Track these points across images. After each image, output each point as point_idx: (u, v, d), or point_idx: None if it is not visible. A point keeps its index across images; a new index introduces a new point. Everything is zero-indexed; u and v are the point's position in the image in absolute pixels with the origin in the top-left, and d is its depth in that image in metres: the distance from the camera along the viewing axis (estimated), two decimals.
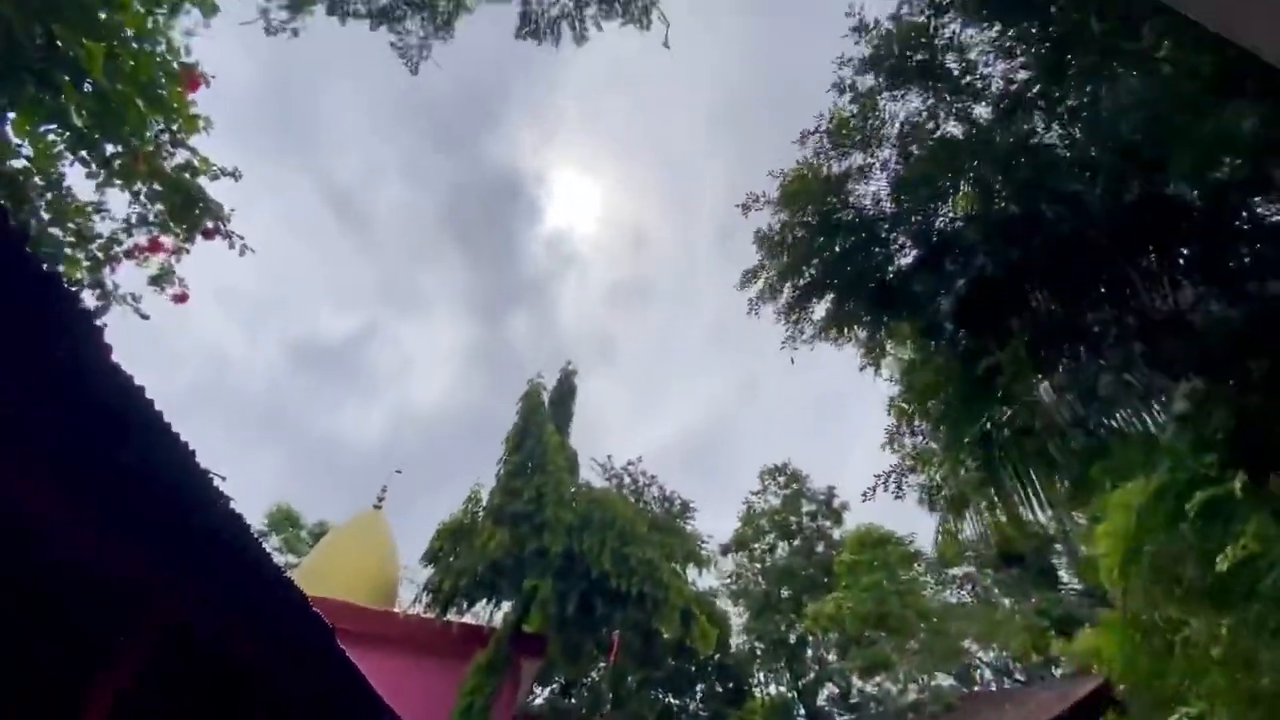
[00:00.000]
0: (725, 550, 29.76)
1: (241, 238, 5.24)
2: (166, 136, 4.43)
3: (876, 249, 9.96)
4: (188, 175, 4.75)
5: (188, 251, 5.30)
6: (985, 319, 8.69)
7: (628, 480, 27.97)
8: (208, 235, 5.09)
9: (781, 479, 30.53)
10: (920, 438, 10.95)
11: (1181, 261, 7.78)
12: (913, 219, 9.71)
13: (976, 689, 17.47)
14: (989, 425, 7.83)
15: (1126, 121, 6.43)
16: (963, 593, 20.50)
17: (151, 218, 5.05)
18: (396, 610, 14.35)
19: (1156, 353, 7.14)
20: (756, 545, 29.50)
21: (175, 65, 4.03)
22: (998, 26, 7.48)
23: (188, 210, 4.81)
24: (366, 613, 13.44)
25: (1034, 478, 7.71)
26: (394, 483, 26.86)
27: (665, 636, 26.00)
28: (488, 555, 11.58)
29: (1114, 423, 7.30)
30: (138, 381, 2.26)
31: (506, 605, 15.79)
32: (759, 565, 29.24)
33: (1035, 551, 18.46)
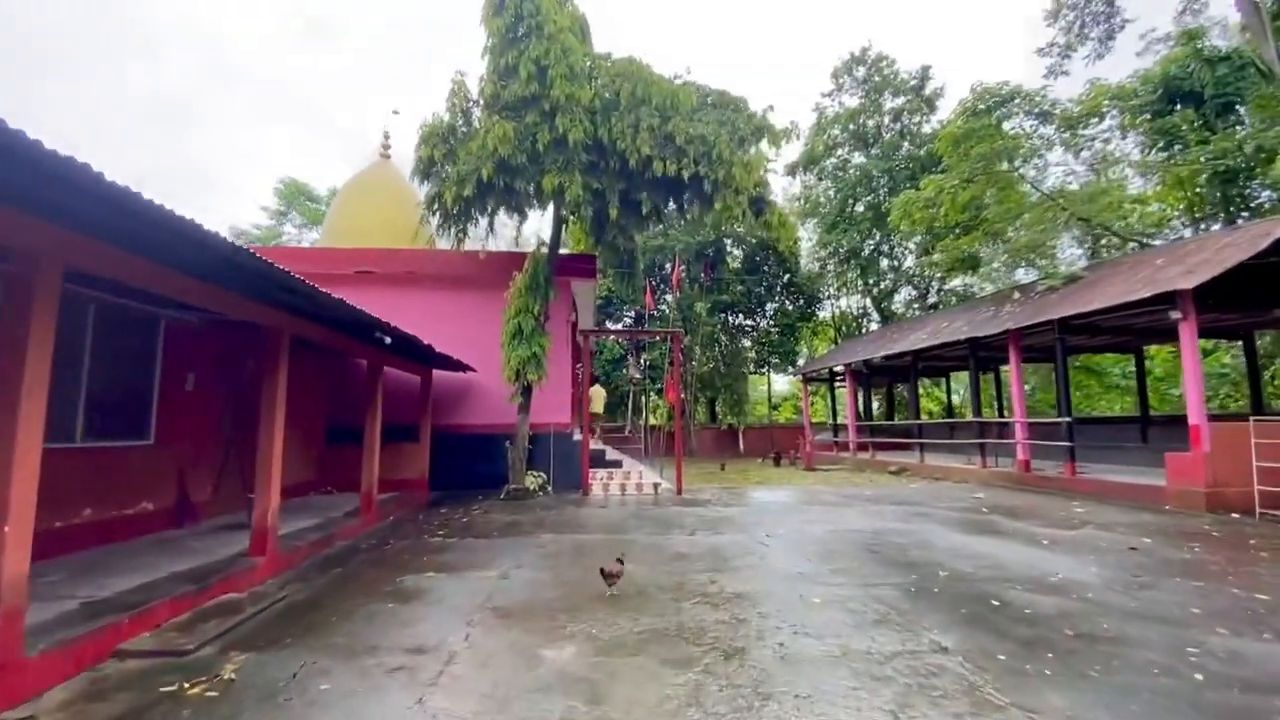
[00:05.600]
0: (792, 170, 26.48)
1: None
2: None
3: None
4: None
5: None
6: None
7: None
8: None
9: (860, 70, 24.94)
10: None
11: None
12: None
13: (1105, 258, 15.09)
14: None
15: None
16: (1098, 149, 16.12)
17: None
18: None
19: None
20: (827, 161, 25.81)
21: None
22: None
23: None
24: (394, 254, 11.95)
25: None
26: (402, 131, 24.59)
27: (731, 264, 24.89)
28: (489, 154, 8.94)
29: None
30: None
31: (536, 217, 13.83)
32: (829, 183, 25.98)
33: (1216, 85, 13.96)
